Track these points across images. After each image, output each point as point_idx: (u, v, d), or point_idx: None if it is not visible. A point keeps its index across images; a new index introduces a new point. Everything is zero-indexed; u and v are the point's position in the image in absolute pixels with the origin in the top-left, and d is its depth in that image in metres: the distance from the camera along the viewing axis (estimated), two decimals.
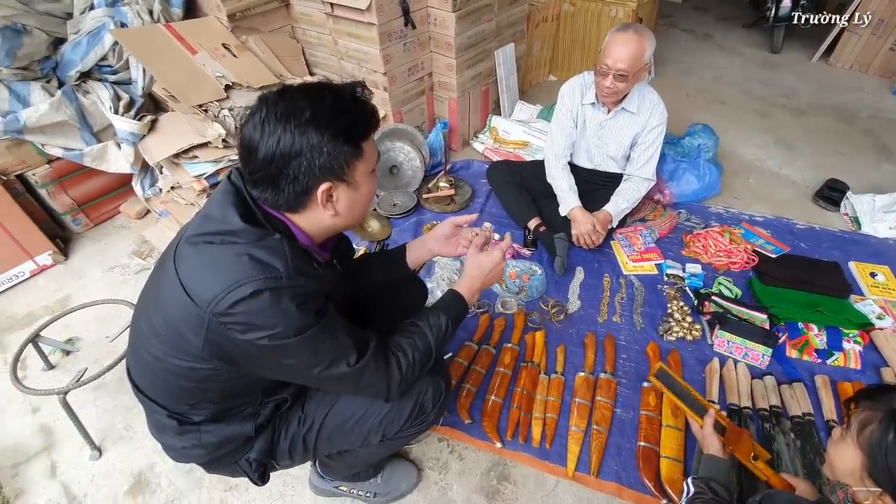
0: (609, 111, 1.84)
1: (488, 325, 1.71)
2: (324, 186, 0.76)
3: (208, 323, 0.71)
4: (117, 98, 1.97)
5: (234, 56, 2.08)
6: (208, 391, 0.84)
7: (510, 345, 1.60)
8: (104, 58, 1.96)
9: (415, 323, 0.97)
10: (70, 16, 2.02)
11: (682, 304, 1.77)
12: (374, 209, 2.21)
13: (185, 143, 1.82)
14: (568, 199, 1.92)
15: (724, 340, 1.59)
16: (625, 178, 1.97)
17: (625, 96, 1.80)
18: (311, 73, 2.51)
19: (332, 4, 2.09)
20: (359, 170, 0.79)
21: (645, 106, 1.81)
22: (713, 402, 1.42)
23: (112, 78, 2.03)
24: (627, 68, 1.62)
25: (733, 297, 1.79)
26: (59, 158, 1.97)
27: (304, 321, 0.74)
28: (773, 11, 3.51)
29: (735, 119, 2.93)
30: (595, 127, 1.91)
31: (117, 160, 1.99)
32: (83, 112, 1.92)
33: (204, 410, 0.87)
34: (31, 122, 1.81)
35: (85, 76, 2.00)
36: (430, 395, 1.01)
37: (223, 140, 1.83)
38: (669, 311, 1.75)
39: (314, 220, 0.81)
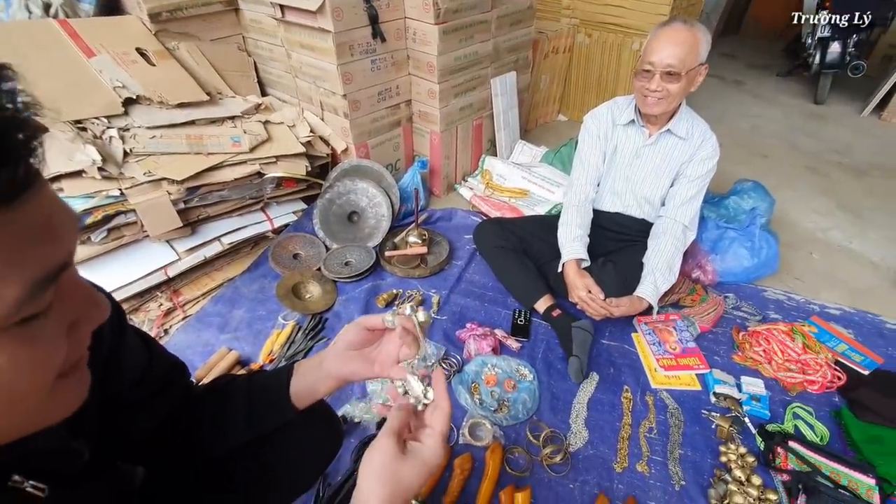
0: (651, 134, 1.42)
1: (444, 467, 1.11)
2: None
3: None
4: None
5: (152, 64, 1.62)
6: None
7: None
8: None
9: None
10: None
11: (740, 447, 1.17)
12: (318, 269, 1.67)
13: (49, 171, 1.31)
14: (568, 248, 1.45)
15: None
16: (655, 224, 1.47)
17: (672, 115, 1.37)
18: (264, 94, 2.04)
19: (281, 7, 1.64)
20: None
21: (696, 133, 1.38)
22: None
23: None
24: (678, 64, 1.20)
25: (819, 440, 1.20)
26: None
27: None
28: (819, 58, 3.10)
29: (783, 176, 2.40)
30: (630, 155, 1.46)
31: None
32: None
33: None
34: None
35: None
36: None
37: (100, 169, 1.33)
38: (724, 458, 1.15)
39: None
